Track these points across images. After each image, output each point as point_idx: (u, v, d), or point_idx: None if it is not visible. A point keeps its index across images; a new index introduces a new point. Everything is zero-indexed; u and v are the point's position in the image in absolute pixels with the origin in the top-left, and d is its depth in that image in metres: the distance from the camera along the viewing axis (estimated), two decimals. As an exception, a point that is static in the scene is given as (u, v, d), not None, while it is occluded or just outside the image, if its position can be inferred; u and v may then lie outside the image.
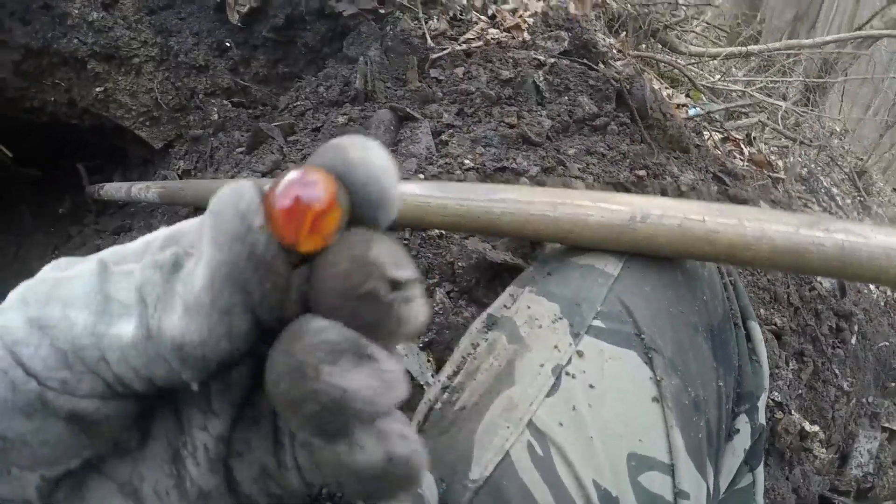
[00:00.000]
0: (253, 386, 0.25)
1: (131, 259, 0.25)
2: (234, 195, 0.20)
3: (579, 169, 1.14)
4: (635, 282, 0.68)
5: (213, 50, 1.81)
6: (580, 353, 0.62)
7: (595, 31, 1.60)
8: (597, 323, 0.64)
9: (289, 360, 0.20)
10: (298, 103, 1.51)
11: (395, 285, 0.20)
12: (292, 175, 0.21)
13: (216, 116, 1.70)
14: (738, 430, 0.73)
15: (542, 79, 1.35)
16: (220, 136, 1.64)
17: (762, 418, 0.76)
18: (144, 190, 1.48)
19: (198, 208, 1.35)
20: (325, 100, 1.47)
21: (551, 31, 1.53)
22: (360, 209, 0.22)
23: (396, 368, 0.21)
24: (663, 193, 1.33)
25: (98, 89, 1.94)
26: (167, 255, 0.22)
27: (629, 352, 0.62)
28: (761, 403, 0.77)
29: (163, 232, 0.25)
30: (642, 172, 1.20)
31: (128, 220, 1.78)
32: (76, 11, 1.93)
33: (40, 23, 1.98)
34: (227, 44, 1.78)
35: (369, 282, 0.20)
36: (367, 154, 0.22)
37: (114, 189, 1.73)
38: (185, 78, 1.83)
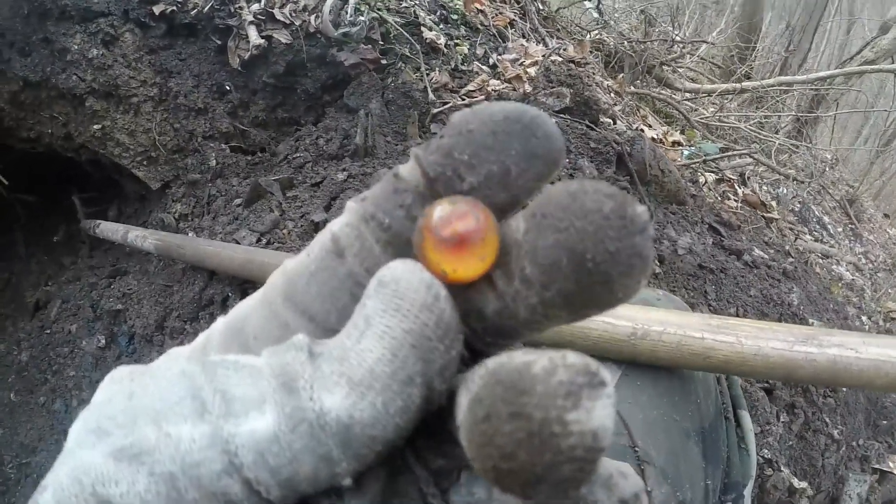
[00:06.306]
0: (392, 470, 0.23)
1: (197, 356, 0.22)
2: (412, 267, 0.19)
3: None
4: (632, 392, 0.72)
5: (213, 93, 1.81)
6: None
7: (595, 86, 1.61)
8: None
9: (524, 425, 0.16)
10: (298, 154, 1.51)
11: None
12: (439, 211, 0.20)
13: (214, 162, 1.70)
14: None
15: (542, 140, 1.35)
16: (217, 183, 1.64)
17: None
18: (141, 238, 1.47)
19: (195, 266, 1.34)
20: (324, 153, 1.47)
21: (553, 86, 1.54)
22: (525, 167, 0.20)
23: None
24: (660, 261, 1.34)
25: (96, 126, 1.94)
26: (301, 338, 0.20)
27: (623, 464, 0.67)
28: (748, 491, 0.81)
29: (220, 323, 0.23)
30: (640, 241, 1.21)
31: (123, 263, 1.77)
32: (76, 47, 1.92)
33: (39, 56, 1.97)
34: (227, 87, 1.78)
35: (607, 202, 0.18)
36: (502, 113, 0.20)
37: (110, 230, 1.72)
38: (184, 119, 1.83)
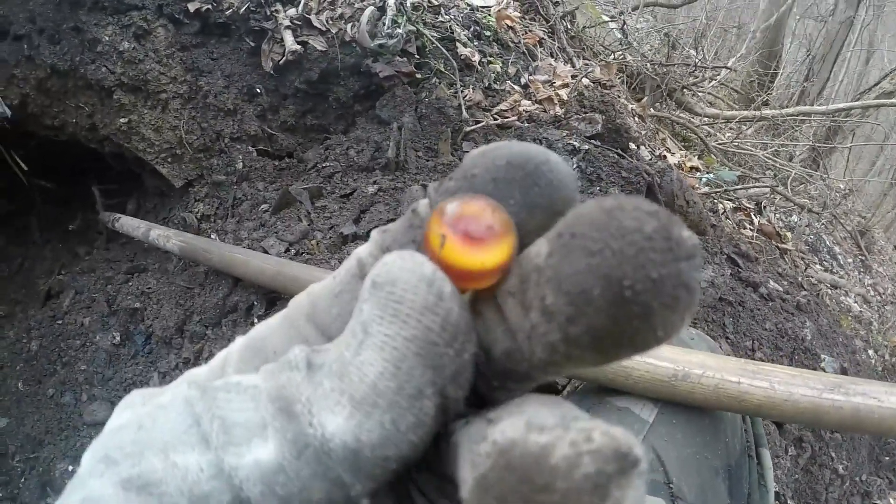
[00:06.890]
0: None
1: (215, 376, 0.21)
2: (410, 262, 0.18)
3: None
4: (668, 430, 0.75)
5: (243, 94, 1.80)
6: None
7: (624, 112, 1.61)
8: None
9: None
10: (327, 164, 1.51)
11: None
12: (452, 209, 0.18)
13: (241, 165, 1.70)
14: None
15: (575, 166, 1.35)
16: (243, 187, 1.63)
17: None
18: (164, 238, 1.47)
19: (218, 271, 1.34)
20: (354, 163, 1.47)
21: (586, 111, 1.54)
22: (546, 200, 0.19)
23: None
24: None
25: (122, 120, 1.93)
26: (297, 353, 0.18)
27: (657, 499, 0.68)
28: None
29: (239, 342, 0.22)
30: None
31: (141, 260, 1.76)
32: (107, 39, 1.92)
33: (69, 45, 1.97)
34: (258, 90, 1.78)
35: (649, 221, 0.15)
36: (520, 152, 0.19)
37: (130, 226, 1.71)
38: (212, 119, 1.83)
